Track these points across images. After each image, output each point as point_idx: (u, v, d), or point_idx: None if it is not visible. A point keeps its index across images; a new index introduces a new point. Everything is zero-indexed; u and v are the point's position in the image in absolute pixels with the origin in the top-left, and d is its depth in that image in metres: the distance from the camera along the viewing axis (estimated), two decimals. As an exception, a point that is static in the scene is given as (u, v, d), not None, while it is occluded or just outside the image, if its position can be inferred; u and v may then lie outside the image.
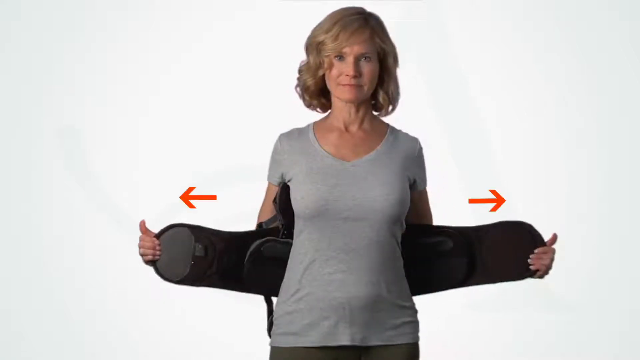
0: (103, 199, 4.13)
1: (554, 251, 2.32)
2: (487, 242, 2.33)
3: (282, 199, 2.27)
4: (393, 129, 2.32)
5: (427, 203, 2.37)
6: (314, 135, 2.28)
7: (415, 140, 2.32)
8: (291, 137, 2.29)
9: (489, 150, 4.10)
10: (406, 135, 2.32)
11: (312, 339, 2.20)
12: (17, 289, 4.11)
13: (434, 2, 4.08)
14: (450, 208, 3.72)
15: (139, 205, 4.07)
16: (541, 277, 2.33)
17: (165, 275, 2.32)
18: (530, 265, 2.31)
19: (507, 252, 2.32)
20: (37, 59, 4.13)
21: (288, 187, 2.27)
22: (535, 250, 2.31)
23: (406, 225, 2.30)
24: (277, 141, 2.31)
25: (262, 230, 2.35)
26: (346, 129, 2.27)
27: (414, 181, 2.29)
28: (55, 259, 4.10)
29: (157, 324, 4.00)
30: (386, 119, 2.34)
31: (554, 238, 2.33)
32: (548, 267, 2.32)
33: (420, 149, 2.32)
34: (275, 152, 2.31)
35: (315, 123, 2.32)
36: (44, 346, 4.07)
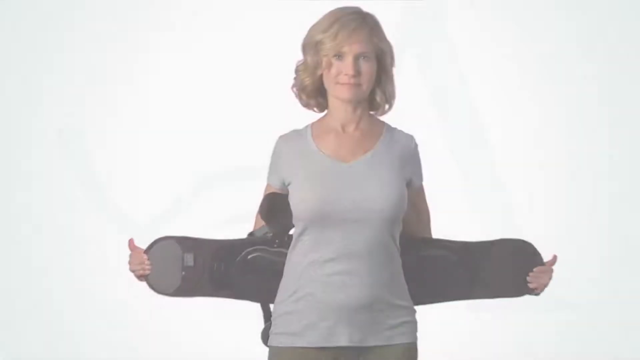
0: (103, 199, 4.13)
1: (552, 270, 2.36)
2: (489, 258, 2.37)
3: (264, 209, 2.28)
4: (389, 127, 2.31)
5: (424, 200, 2.37)
6: (312, 136, 2.27)
7: (410, 138, 2.31)
8: (289, 140, 2.29)
9: (489, 150, 4.10)
10: (402, 132, 2.32)
11: (310, 340, 2.19)
12: (17, 289, 4.11)
13: (434, 2, 4.08)
14: (450, 208, 3.73)
15: (138, 205, 4.08)
16: (537, 294, 2.38)
17: (159, 288, 2.33)
18: (529, 283, 2.35)
19: (507, 269, 2.37)
20: (37, 59, 4.14)
21: (271, 197, 2.27)
22: (535, 269, 2.35)
23: (411, 237, 2.32)
24: (276, 144, 2.31)
25: (254, 238, 2.35)
26: (343, 129, 2.27)
27: (411, 179, 2.28)
28: (54, 259, 4.11)
29: (157, 324, 4.00)
30: (384, 118, 2.34)
31: (554, 259, 2.37)
32: (545, 286, 2.36)
33: (416, 146, 2.31)
34: (275, 155, 2.30)
35: (312, 124, 2.31)
36: (44, 346, 4.07)
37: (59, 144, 4.15)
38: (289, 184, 2.25)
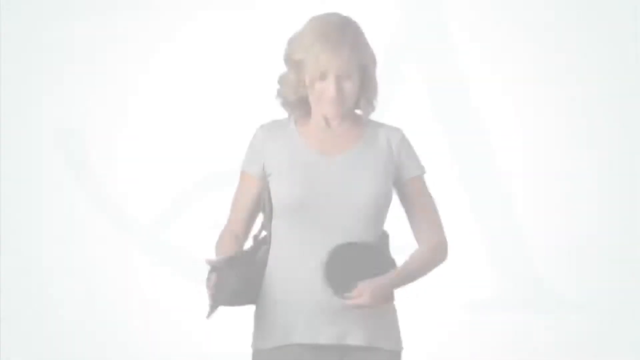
0: (103, 199, 4.14)
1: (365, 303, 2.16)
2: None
3: (267, 201, 2.25)
4: (375, 123, 2.30)
5: (423, 193, 2.31)
6: (296, 128, 2.26)
7: (397, 130, 2.28)
8: (272, 129, 2.27)
9: (489, 150, 4.10)
10: (388, 127, 2.29)
11: (293, 338, 2.18)
12: (16, 289, 4.12)
13: (434, 2, 4.08)
14: (449, 208, 3.73)
15: (139, 205, 4.08)
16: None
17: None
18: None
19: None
20: (37, 59, 4.14)
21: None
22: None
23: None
24: (257, 131, 2.28)
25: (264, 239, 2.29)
26: (327, 124, 2.26)
27: (400, 173, 2.25)
28: (54, 259, 4.11)
29: (157, 325, 4.00)
30: (379, 116, 2.32)
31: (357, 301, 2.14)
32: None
33: (403, 137, 2.27)
34: (256, 141, 2.27)
35: (296, 117, 2.28)
36: (43, 347, 4.07)
37: (59, 144, 4.16)
38: (269, 175, 2.23)
